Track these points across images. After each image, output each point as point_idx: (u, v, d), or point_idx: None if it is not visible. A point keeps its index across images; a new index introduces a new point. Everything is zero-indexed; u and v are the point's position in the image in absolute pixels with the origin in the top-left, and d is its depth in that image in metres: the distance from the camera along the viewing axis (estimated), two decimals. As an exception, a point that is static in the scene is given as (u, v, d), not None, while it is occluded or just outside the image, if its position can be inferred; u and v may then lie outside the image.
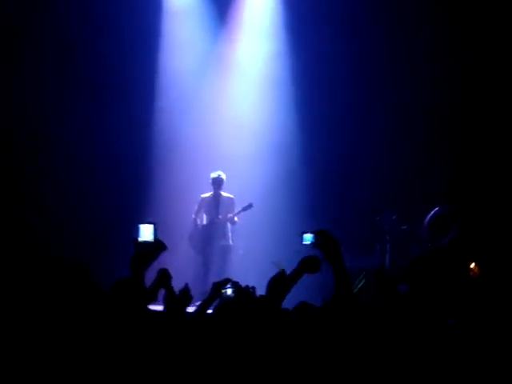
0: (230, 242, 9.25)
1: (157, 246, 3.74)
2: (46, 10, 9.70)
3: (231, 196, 9.27)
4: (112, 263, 7.38)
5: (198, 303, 4.16)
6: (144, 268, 3.63)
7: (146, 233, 3.81)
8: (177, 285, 4.07)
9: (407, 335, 3.44)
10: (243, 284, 4.07)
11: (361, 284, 4.36)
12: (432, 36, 9.58)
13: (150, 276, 4.00)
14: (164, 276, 4.08)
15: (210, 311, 3.92)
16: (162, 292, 4.07)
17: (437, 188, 9.36)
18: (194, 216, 9.32)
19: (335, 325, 3.50)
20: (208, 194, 9.28)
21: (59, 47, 9.78)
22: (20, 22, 9.66)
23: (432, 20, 9.60)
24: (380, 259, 8.90)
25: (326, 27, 9.72)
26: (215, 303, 3.95)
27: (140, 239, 3.79)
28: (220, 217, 9.18)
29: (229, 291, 4.12)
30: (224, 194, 9.25)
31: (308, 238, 4.07)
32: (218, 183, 9.16)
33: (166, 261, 4.39)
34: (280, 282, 3.82)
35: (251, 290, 3.99)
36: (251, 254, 9.55)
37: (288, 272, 3.90)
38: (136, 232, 3.80)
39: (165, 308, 3.93)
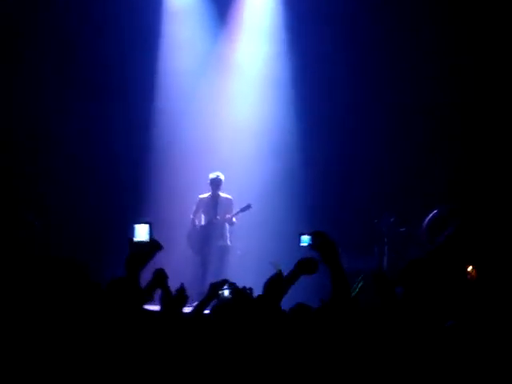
0: (228, 243, 9.25)
1: (152, 246, 3.73)
2: (46, 10, 9.70)
3: (229, 197, 9.26)
4: (112, 263, 7.37)
5: (195, 303, 4.17)
6: (139, 268, 3.62)
7: (142, 233, 3.80)
8: (174, 285, 4.08)
9: (405, 337, 3.44)
10: (241, 285, 4.08)
11: (359, 286, 4.35)
12: (432, 36, 9.57)
13: (147, 276, 4.00)
14: (160, 276, 4.09)
15: (207, 311, 3.93)
16: (158, 292, 4.08)
17: (437, 188, 9.34)
18: (192, 216, 9.32)
19: (332, 326, 3.50)
20: (206, 195, 9.27)
21: (59, 47, 9.78)
22: (20, 22, 9.66)
23: (432, 20, 9.59)
24: (378, 261, 8.88)
25: (325, 27, 9.71)
26: (212, 304, 3.95)
27: (135, 239, 3.78)
28: (218, 217, 9.18)
29: (226, 293, 4.12)
30: (222, 194, 9.25)
31: (305, 239, 4.05)
32: (216, 184, 9.16)
33: (164, 261, 4.40)
34: (277, 283, 3.82)
35: (248, 291, 3.99)
36: (249, 255, 9.52)
37: (286, 273, 3.90)
38: (131, 232, 3.80)
39: (161, 308, 3.93)
